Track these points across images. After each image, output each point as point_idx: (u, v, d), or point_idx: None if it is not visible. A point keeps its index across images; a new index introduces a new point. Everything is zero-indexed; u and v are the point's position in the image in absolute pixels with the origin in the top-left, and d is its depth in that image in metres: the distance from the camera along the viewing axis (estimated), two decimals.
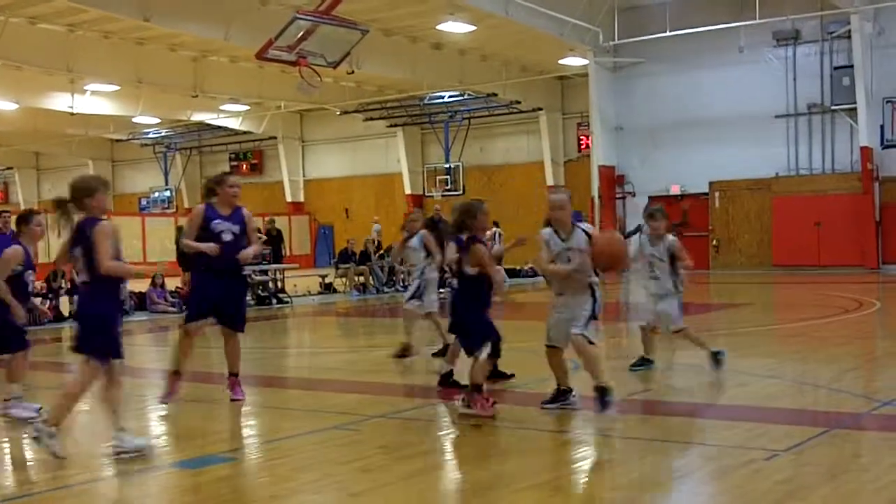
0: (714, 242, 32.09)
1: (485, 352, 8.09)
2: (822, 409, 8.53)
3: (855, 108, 28.80)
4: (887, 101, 27.95)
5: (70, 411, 7.05)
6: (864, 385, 9.17)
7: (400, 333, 12.23)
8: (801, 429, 7.36)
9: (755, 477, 6.08)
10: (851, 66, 28.89)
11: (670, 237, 10.13)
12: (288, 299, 23.70)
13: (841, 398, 8.67)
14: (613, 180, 32.95)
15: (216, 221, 8.90)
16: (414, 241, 12.03)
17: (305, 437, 7.63)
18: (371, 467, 6.56)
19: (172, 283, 21.32)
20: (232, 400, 9.08)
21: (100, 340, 6.89)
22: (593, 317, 7.89)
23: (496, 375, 9.50)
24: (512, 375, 9.97)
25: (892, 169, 28.80)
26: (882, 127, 28.04)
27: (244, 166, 46.71)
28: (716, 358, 9.88)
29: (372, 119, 40.42)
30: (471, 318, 8.25)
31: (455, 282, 8.93)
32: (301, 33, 20.79)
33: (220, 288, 8.99)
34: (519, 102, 36.42)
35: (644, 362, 10.34)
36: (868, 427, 7.61)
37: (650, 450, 7.02)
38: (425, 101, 38.07)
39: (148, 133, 46.10)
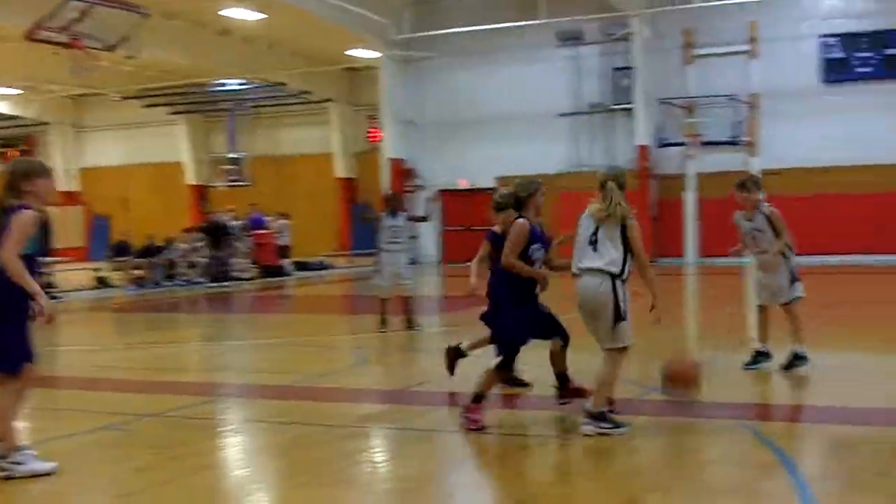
0: None
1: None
2: None
3: (633, 108, 29.99)
4: (662, 102, 29.20)
5: None
6: (636, 372, 9.44)
7: (175, 329, 11.82)
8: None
9: (541, 460, 6.18)
10: (630, 68, 30.05)
11: (766, 206, 9.30)
12: (59, 294, 22.55)
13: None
14: (403, 173, 33.11)
15: None
16: None
17: (75, 438, 7.31)
18: (143, 467, 6.35)
19: None
20: None
21: None
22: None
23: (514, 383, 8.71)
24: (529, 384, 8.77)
25: (667, 167, 30.10)
26: (658, 127, 29.26)
27: (14, 153, 44.25)
28: (794, 359, 9.20)
29: (153, 105, 39.01)
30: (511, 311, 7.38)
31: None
32: (76, 14, 19.93)
33: None
34: (309, 93, 36.02)
35: (760, 358, 9.41)
36: (640, 411, 7.81)
37: (424, 439, 7.04)
38: (210, 89, 37.11)
39: None
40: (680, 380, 7.35)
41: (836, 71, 28.26)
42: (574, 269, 7.16)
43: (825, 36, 28.31)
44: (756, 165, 28.40)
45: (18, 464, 6.06)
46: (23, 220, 5.98)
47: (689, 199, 29.59)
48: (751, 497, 5.56)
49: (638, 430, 7.09)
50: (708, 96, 29.01)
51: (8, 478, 6.00)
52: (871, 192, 27.51)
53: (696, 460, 6.42)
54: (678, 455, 6.57)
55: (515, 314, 7.26)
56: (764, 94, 28.75)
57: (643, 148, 29.73)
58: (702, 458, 6.47)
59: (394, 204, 13.91)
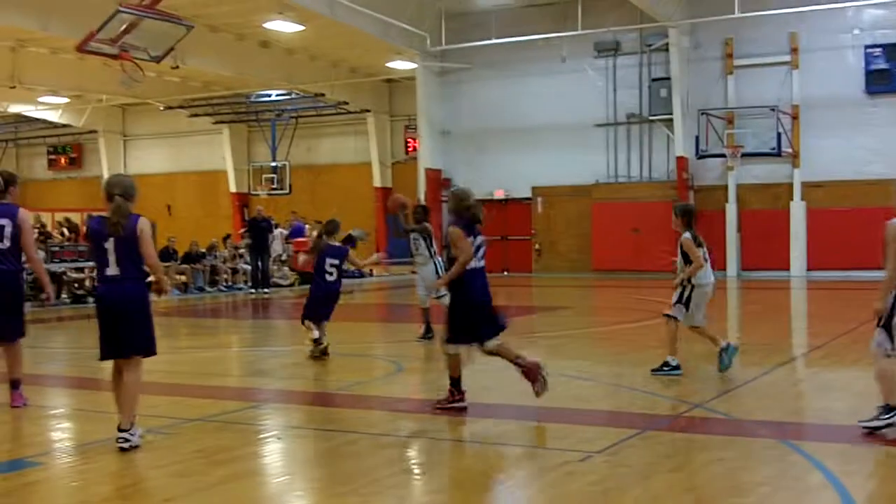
0: (536, 246, 32.72)
1: None
2: (636, 410, 8.71)
3: (672, 119, 29.90)
4: (702, 113, 29.08)
5: None
6: (676, 388, 9.45)
7: (218, 334, 11.96)
8: (614, 430, 7.52)
9: (569, 478, 6.18)
10: (669, 79, 29.96)
11: (683, 235, 9.94)
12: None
13: (654, 400, 8.92)
14: (440, 183, 33.21)
15: None
16: None
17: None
18: (187, 472, 6.43)
19: None
20: (12, 406, 8.76)
21: None
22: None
23: None
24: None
25: (706, 178, 30.00)
26: (697, 138, 29.15)
27: (63, 160, 45.10)
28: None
29: (197, 115, 39.51)
30: None
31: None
32: (124, 26, 20.25)
33: None
34: (347, 103, 36.26)
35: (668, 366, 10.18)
36: (679, 429, 7.81)
37: (466, 452, 7.07)
38: (252, 99, 37.51)
39: None
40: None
41: (880, 82, 27.98)
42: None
43: (869, 47, 28.06)
44: (797, 177, 28.32)
45: (134, 435, 7.06)
46: None
47: (731, 212, 29.44)
48: None
49: (679, 448, 7.12)
50: (748, 107, 28.86)
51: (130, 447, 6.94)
52: None
53: (744, 480, 6.23)
54: (724, 474, 6.38)
55: None
56: (805, 105, 28.58)
57: (681, 159, 29.64)
58: (749, 478, 6.31)
59: (418, 215, 13.56)
